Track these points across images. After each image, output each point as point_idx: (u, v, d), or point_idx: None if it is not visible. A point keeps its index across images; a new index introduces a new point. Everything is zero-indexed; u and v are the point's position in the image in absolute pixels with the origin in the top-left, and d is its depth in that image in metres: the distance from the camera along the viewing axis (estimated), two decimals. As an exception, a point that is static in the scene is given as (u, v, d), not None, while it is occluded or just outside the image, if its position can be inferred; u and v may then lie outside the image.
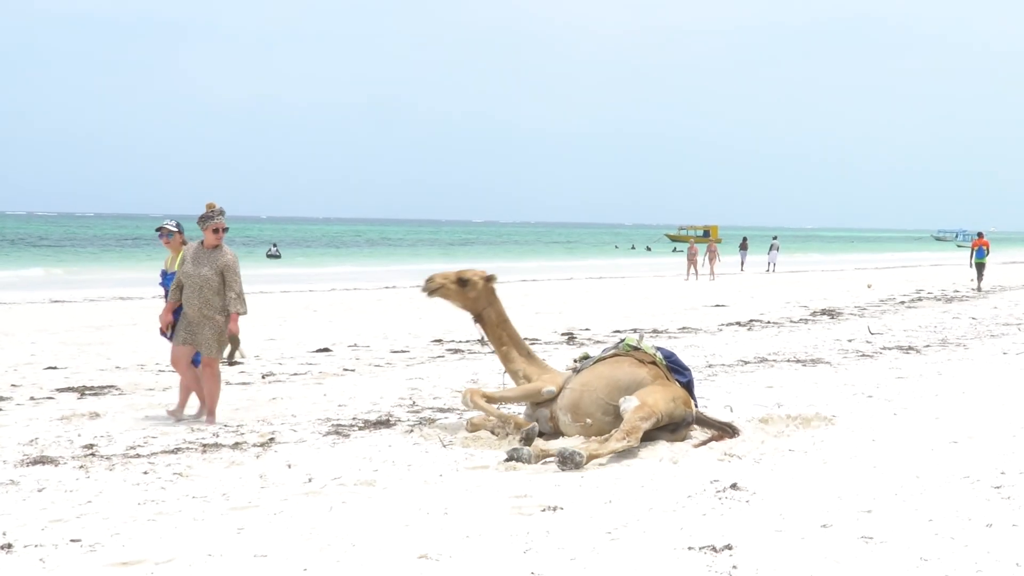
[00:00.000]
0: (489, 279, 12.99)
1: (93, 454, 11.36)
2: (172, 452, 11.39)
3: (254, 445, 11.71)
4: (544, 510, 8.91)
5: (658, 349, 12.34)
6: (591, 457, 10.65)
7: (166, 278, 14.72)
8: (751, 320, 28.03)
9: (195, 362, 13.73)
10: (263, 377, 17.41)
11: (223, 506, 9.15)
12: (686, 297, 38.99)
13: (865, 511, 8.73)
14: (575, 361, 12.57)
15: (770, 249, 70.02)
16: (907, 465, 10.39)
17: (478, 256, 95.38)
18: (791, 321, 28.00)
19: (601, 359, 12.21)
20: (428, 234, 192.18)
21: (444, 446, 11.55)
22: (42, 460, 10.98)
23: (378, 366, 18.69)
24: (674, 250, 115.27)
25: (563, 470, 10.42)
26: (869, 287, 44.63)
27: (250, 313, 30.95)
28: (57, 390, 15.82)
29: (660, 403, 11.36)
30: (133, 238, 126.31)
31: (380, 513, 8.87)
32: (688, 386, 12.11)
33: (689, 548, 7.80)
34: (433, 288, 12.90)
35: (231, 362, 13.06)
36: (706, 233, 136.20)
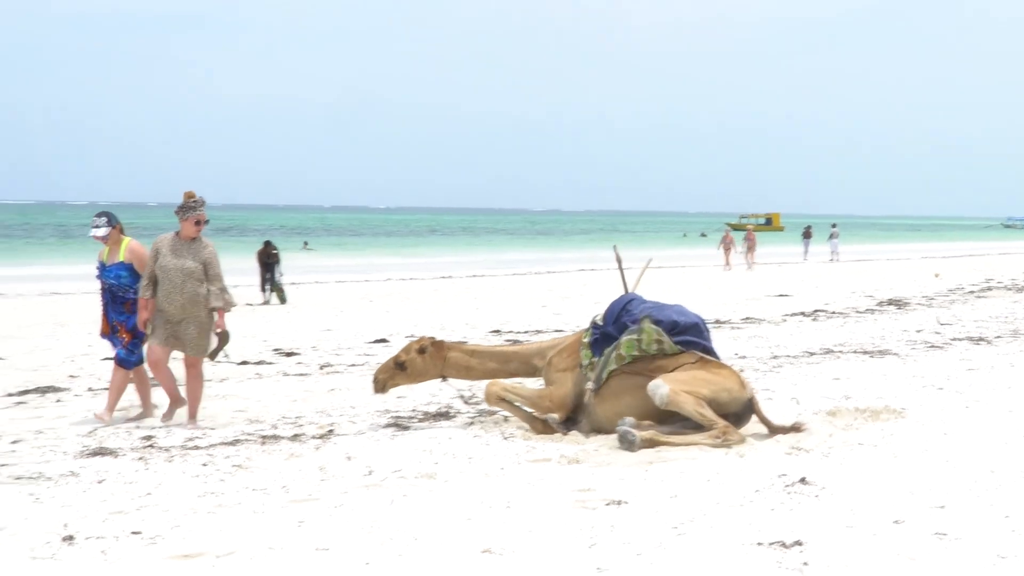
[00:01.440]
0: (422, 348, 12.49)
1: (152, 446, 11.31)
2: (231, 444, 11.32)
3: (313, 437, 11.61)
4: (608, 504, 8.76)
5: (657, 323, 11.68)
6: (649, 442, 10.71)
7: (105, 271, 13.08)
8: (816, 310, 27.71)
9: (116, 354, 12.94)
10: (321, 368, 17.35)
11: (283, 499, 9.05)
12: (748, 287, 38.68)
13: (938, 506, 8.52)
14: (587, 344, 12.06)
15: (830, 237, 69.46)
16: (981, 459, 10.14)
17: (534, 246, 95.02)
18: (857, 311, 27.65)
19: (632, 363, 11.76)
20: (489, 223, 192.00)
21: (505, 439, 11.41)
22: (101, 452, 10.94)
23: (436, 357, 18.54)
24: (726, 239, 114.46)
25: (620, 447, 10.65)
26: (937, 276, 44.05)
27: (308, 303, 31.19)
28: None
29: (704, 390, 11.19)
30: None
31: (441, 507, 8.74)
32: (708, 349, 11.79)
33: (758, 544, 7.62)
34: (380, 385, 12.51)
35: (214, 360, 12.75)
36: (768, 221, 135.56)
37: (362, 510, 8.65)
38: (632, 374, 11.52)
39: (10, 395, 14.74)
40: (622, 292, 12.76)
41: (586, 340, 11.91)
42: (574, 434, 11.58)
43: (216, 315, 12.65)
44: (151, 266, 12.62)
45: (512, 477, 9.77)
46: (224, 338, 12.57)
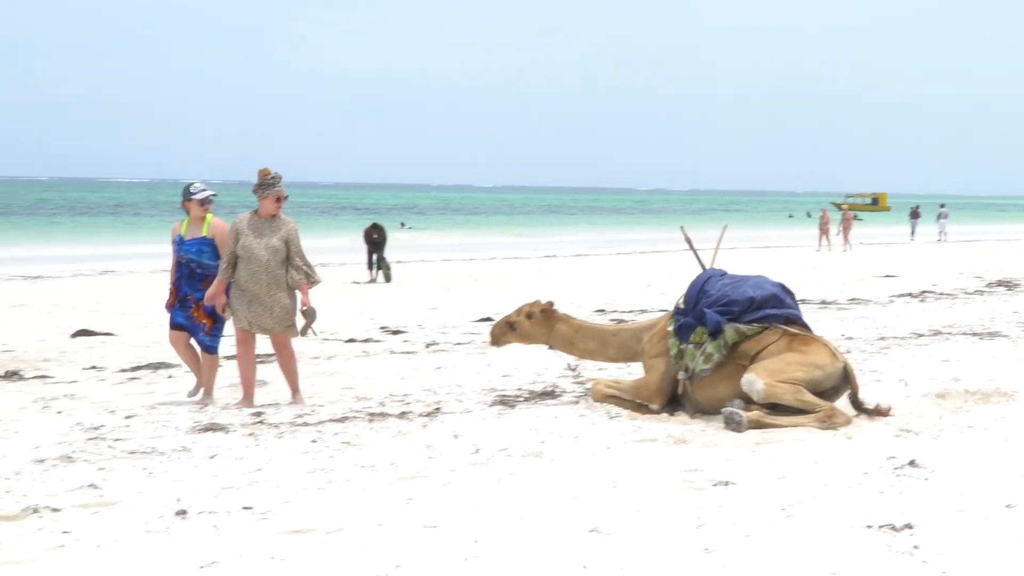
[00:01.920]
0: (530, 314, 12.62)
1: (261, 422, 11.44)
2: (339, 421, 11.42)
3: (420, 415, 11.69)
4: (716, 485, 8.74)
5: (732, 303, 11.49)
6: (756, 424, 10.71)
7: (184, 245, 12.76)
8: (923, 291, 27.37)
9: (195, 336, 12.74)
10: (427, 346, 17.45)
11: (391, 476, 9.13)
12: (855, 267, 38.31)
13: (1052, 491, 8.41)
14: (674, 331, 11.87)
15: (938, 217, 68.53)
16: (1094, 443, 9.99)
17: (639, 225, 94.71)
18: (965, 292, 27.27)
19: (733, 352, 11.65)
20: (591, 202, 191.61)
21: (611, 418, 11.41)
22: (212, 427, 11.09)
23: (542, 336, 18.54)
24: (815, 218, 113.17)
25: (727, 428, 10.69)
26: None
27: (413, 282, 31.37)
28: (224, 357, 15.95)
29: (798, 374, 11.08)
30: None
31: (548, 485, 8.77)
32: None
33: (867, 527, 7.57)
34: (494, 340, 12.81)
35: (304, 336, 12.75)
36: (874, 201, 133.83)
37: (469, 488, 8.70)
38: (724, 362, 11.47)
39: (123, 371, 14.99)
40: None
41: (671, 328, 11.85)
42: (680, 414, 11.56)
43: (300, 292, 12.57)
44: (231, 247, 12.39)
45: (618, 457, 9.77)
46: (311, 314, 12.49)
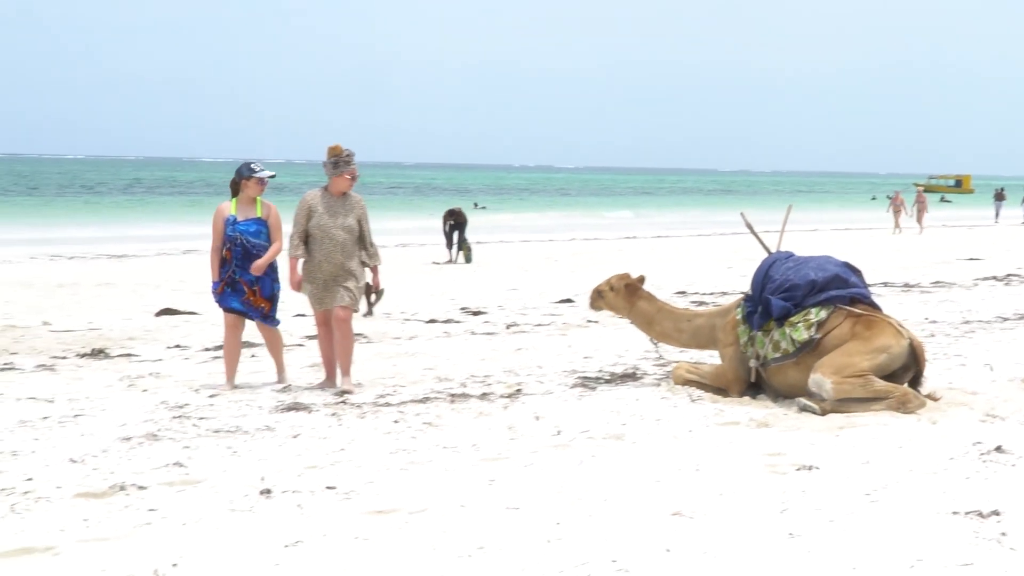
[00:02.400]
0: (613, 287, 12.72)
1: (344, 402, 11.50)
2: (421, 401, 11.46)
3: (501, 396, 11.70)
4: (799, 469, 8.68)
5: (794, 287, 11.36)
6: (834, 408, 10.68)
7: (238, 224, 12.41)
8: (1008, 275, 27.00)
9: (253, 317, 12.52)
10: (507, 327, 17.47)
11: (473, 457, 9.15)
12: (937, 250, 37.90)
13: None
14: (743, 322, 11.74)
15: (1023, 200, 67.63)
16: None
17: (719, 206, 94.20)
18: (1052, 276, 26.91)
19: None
20: (673, 183, 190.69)
21: (692, 401, 11.36)
22: (295, 407, 11.16)
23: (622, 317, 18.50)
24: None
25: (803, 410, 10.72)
26: None
27: (493, 262, 31.40)
28: (306, 337, 16.09)
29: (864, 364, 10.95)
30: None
31: (630, 468, 8.75)
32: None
33: (953, 513, 7.49)
34: (591, 303, 13.06)
35: (368, 313, 12.77)
36: (958, 183, 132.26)
37: (551, 470, 8.70)
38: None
39: (207, 350, 15.13)
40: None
41: (739, 316, 11.77)
42: (762, 398, 11.50)
43: (372, 273, 12.58)
44: (303, 225, 12.25)
45: (701, 440, 9.74)
46: (380, 295, 12.54)
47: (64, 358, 14.50)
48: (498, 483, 8.33)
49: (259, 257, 12.40)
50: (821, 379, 10.82)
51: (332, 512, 7.64)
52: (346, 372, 12.35)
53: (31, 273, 27.62)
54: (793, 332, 11.22)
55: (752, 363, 11.54)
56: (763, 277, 11.61)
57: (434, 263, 31.61)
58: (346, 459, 9.09)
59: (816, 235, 48.77)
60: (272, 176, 12.70)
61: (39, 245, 38.10)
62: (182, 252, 36.07)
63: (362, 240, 12.37)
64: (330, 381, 12.46)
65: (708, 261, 32.01)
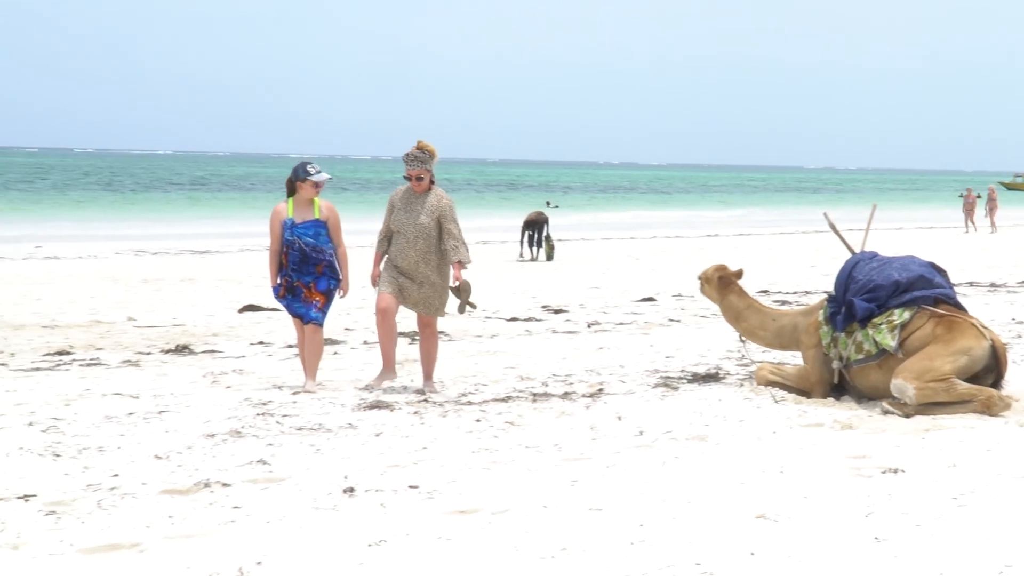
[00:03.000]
0: (707, 278, 12.70)
1: (426, 400, 11.52)
2: (503, 400, 11.45)
3: (583, 395, 11.68)
4: (884, 472, 8.59)
5: (878, 287, 11.25)
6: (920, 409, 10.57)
7: (296, 228, 12.17)
8: (1097, 275, 26.60)
9: (306, 318, 12.24)
10: (588, 326, 17.43)
11: (555, 457, 9.13)
12: None
13: None
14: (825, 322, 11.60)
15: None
16: None
17: (802, 203, 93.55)
18: None
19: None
20: (758, 181, 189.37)
21: (776, 402, 11.28)
22: (378, 405, 11.19)
23: (704, 317, 18.45)
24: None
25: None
26: None
27: (574, 260, 31.35)
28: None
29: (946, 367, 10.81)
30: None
31: (713, 469, 8.70)
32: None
33: (1043, 518, 7.38)
34: (700, 290, 13.01)
35: (463, 313, 12.53)
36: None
37: (634, 471, 8.67)
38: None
39: (289, 346, 15.20)
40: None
41: (821, 318, 11.65)
42: (846, 399, 11.39)
43: (452, 269, 12.22)
44: (387, 221, 12.23)
45: (784, 441, 9.67)
46: (465, 288, 12.19)
47: (149, 354, 14.65)
48: (581, 484, 8.31)
49: (317, 261, 12.20)
50: (903, 384, 10.70)
51: (415, 511, 7.65)
52: (428, 376, 12.27)
53: (116, 268, 27.96)
54: (876, 334, 11.10)
55: (835, 364, 11.45)
56: (847, 278, 11.50)
57: (518, 260, 31.63)
58: (428, 458, 9.10)
59: (900, 234, 48.31)
60: (329, 179, 12.43)
61: (124, 240, 38.52)
62: (264, 248, 36.25)
63: (442, 239, 12.15)
64: (386, 374, 12.26)
65: (791, 260, 31.81)
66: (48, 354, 14.49)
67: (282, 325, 17.47)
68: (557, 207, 74.47)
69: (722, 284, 12.55)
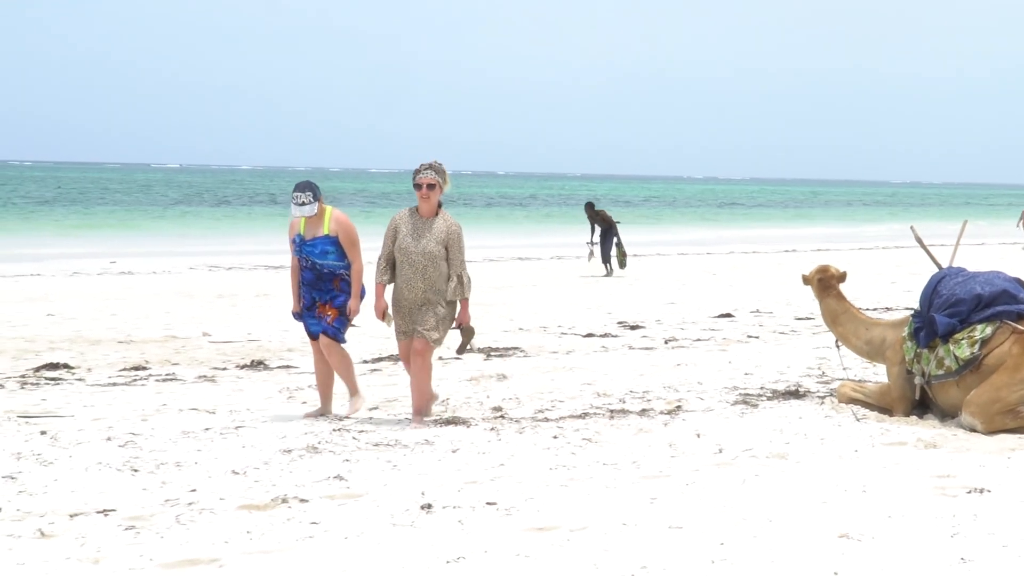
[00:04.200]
0: (808, 279, 12.59)
1: (503, 416, 11.47)
2: (580, 417, 11.38)
3: (661, 412, 11.58)
4: (970, 492, 8.45)
5: (959, 301, 11.08)
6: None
7: (306, 246, 11.48)
8: None
9: (315, 331, 11.58)
10: (666, 342, 17.31)
11: (634, 474, 9.05)
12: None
13: None
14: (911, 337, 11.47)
15: None
16: None
17: (883, 219, 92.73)
18: None
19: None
20: (838, 195, 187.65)
21: (857, 420, 11.13)
22: (454, 421, 11.16)
23: (783, 333, 18.29)
24: None
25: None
26: None
27: (650, 275, 31.20)
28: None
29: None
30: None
31: (795, 488, 8.60)
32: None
33: None
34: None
35: (461, 354, 12.01)
36: None
37: (714, 489, 8.57)
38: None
39: (365, 362, 15.20)
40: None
41: (905, 334, 11.49)
42: (929, 417, 11.23)
43: (460, 306, 11.33)
44: (388, 247, 11.21)
45: (867, 460, 9.53)
46: (469, 333, 11.52)
47: (224, 369, 14.71)
48: (660, 501, 8.23)
49: (331, 279, 11.50)
50: (971, 420, 10.60)
51: (493, 528, 7.60)
52: (417, 412, 11.35)
53: (190, 283, 28.13)
54: (956, 349, 10.93)
55: (917, 380, 11.29)
56: (931, 293, 11.35)
57: (592, 275, 31.49)
58: (506, 474, 9.05)
59: (983, 249, 47.74)
60: (303, 207, 11.31)
61: (198, 256, 38.74)
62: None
63: (448, 268, 11.19)
64: (418, 418, 11.25)
65: (871, 275, 31.45)
66: (124, 369, 14.59)
67: (356, 340, 17.47)
68: (619, 222, 74.10)
69: (822, 286, 12.45)
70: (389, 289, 11.46)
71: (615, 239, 31.92)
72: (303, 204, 11.31)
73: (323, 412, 11.61)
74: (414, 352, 11.25)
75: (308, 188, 11.36)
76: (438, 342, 11.31)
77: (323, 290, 11.55)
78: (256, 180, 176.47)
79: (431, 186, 11.16)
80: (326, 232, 11.45)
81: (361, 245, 11.67)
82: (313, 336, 11.69)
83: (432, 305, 11.12)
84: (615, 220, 32.48)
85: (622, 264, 31.75)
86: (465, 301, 11.28)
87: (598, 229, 32.16)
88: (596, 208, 32.83)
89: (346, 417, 11.49)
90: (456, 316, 11.35)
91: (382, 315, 11.37)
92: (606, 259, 31.98)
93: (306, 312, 11.64)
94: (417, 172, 11.22)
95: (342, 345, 11.65)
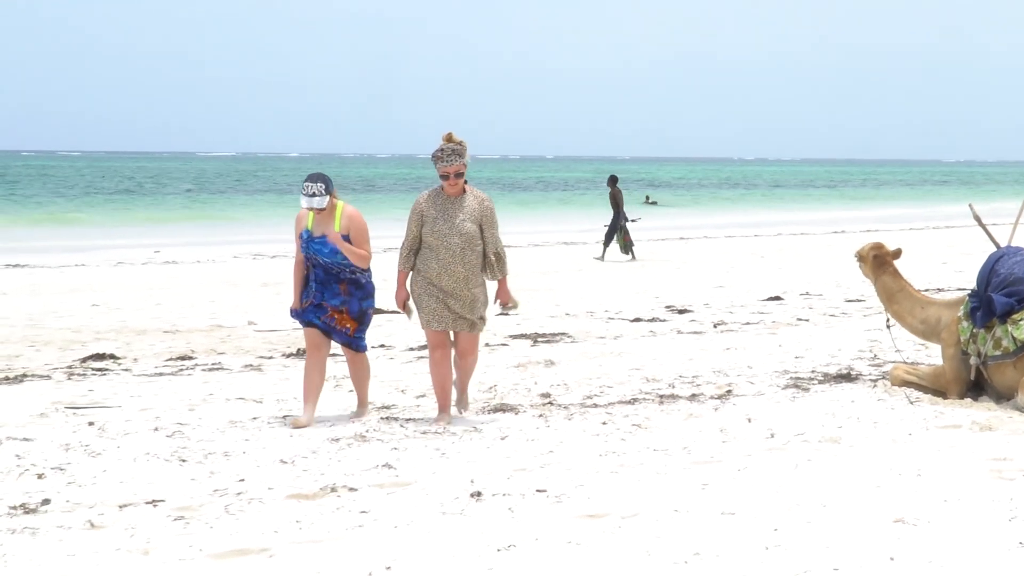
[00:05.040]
0: (863, 256, 12.38)
1: (551, 403, 11.40)
2: (629, 403, 11.30)
3: (711, 397, 11.49)
4: (1027, 475, 8.33)
5: (1018, 280, 10.95)
6: None
7: (314, 243, 10.70)
8: None
9: (342, 341, 10.90)
10: (714, 326, 17.19)
11: (685, 460, 8.97)
12: None
13: None
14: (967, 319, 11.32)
15: None
16: None
17: (933, 198, 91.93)
18: None
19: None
20: (887, 175, 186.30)
21: (911, 403, 11.01)
22: (502, 408, 11.10)
23: (833, 316, 18.14)
24: None
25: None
26: None
27: (697, 259, 31.04)
28: (510, 336, 16.04)
29: None
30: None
31: (848, 472, 8.50)
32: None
33: None
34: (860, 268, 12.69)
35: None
36: None
37: (766, 474, 8.49)
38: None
39: (411, 349, 15.17)
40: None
41: (961, 314, 11.33)
42: (984, 399, 11.09)
43: (499, 287, 10.88)
44: (413, 232, 10.60)
45: (921, 443, 9.42)
46: (514, 308, 11.08)
47: (270, 358, 14.69)
48: (711, 487, 8.15)
49: (338, 281, 10.76)
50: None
51: (543, 515, 7.54)
52: (464, 405, 11.06)
53: (235, 272, 28.15)
54: (1015, 330, 10.79)
55: (973, 360, 11.14)
56: (989, 272, 11.19)
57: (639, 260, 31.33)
58: (555, 461, 8.99)
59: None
60: (314, 198, 10.55)
61: (242, 244, 38.76)
62: (382, 250, 36.40)
63: (485, 247, 10.66)
64: (444, 415, 10.70)
65: (921, 256, 31.18)
66: (171, 359, 14.57)
67: (402, 328, 17.45)
68: (656, 203, 73.61)
69: (877, 263, 12.29)
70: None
71: (623, 222, 30.63)
72: (313, 195, 10.54)
73: (307, 423, 10.55)
74: (462, 353, 10.83)
75: (320, 179, 10.63)
76: (480, 328, 10.86)
77: (333, 293, 10.78)
78: (302, 167, 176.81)
79: (459, 174, 10.56)
80: (337, 228, 10.70)
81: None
82: (308, 324, 10.88)
83: (472, 291, 10.56)
84: (650, 200, 31.53)
85: (624, 249, 30.61)
86: (504, 280, 10.82)
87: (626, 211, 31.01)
88: (616, 185, 31.48)
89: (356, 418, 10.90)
90: (497, 294, 10.93)
91: (403, 305, 10.87)
92: (607, 242, 30.69)
93: (312, 307, 10.86)
94: (438, 159, 10.51)
95: (365, 354, 11.11)
